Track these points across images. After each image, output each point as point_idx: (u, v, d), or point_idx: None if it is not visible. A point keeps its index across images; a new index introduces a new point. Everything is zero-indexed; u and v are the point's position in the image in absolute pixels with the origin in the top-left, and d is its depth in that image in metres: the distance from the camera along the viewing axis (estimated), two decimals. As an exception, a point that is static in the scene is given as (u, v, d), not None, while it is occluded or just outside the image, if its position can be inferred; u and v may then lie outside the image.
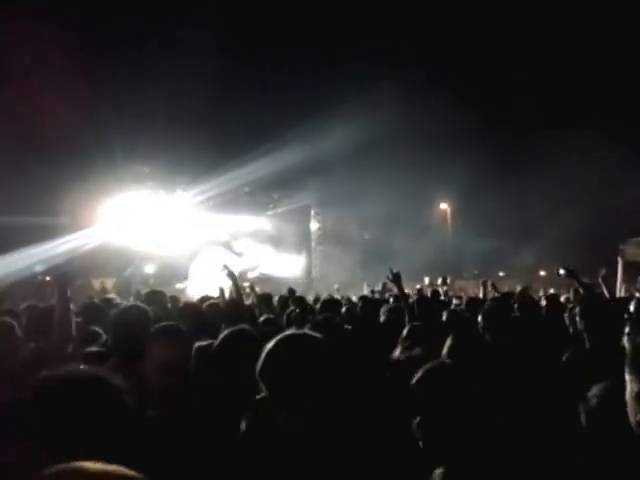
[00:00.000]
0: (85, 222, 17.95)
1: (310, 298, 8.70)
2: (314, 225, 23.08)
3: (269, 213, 22.25)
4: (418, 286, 12.10)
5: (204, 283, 14.24)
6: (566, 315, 5.38)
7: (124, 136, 18.19)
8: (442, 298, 8.18)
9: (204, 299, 6.02)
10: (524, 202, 25.17)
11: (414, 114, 21.48)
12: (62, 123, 16.82)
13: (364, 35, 22.39)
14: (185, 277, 19.87)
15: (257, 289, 8.09)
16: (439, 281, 10.20)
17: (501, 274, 25.72)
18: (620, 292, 9.14)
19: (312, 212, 22.97)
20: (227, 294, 5.96)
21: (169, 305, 5.55)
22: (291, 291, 7.83)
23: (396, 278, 4.97)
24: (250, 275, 19.60)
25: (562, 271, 5.50)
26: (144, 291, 6.98)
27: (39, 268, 13.13)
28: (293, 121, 20.50)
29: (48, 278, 14.40)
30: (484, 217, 24.43)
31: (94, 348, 3.36)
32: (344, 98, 21.01)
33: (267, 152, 19.27)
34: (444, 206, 27.82)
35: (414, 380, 2.04)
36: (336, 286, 15.27)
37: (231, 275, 5.30)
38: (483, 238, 24.46)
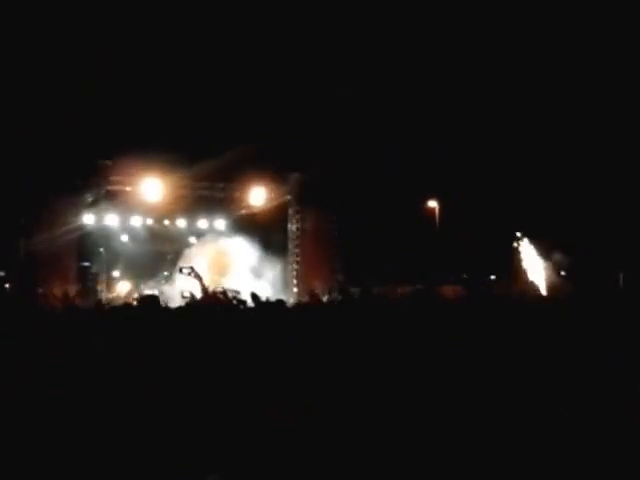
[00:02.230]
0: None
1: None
2: (292, 225, 23.20)
3: (243, 212, 22.42)
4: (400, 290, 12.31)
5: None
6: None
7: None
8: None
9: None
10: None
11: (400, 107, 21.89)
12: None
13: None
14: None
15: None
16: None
17: (492, 277, 26.02)
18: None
19: (290, 211, 23.09)
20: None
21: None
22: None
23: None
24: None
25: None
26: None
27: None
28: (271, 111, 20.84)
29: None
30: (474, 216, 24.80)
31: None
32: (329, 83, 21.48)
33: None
34: (432, 204, 28.03)
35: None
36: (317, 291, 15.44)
37: (198, 277, 5.47)
38: (473, 239, 24.77)
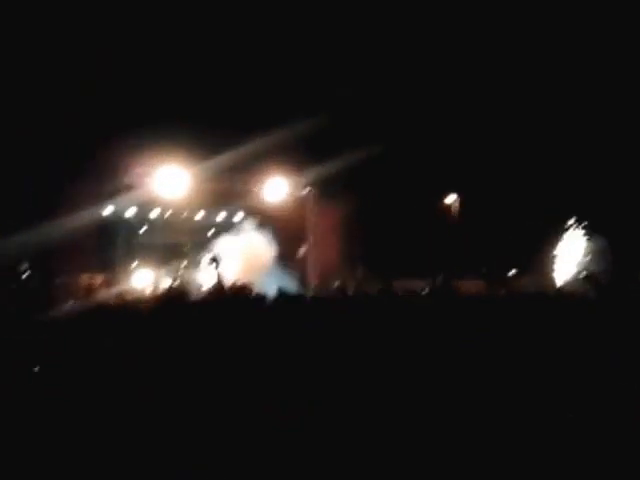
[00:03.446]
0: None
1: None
2: (312, 219, 23.39)
3: (263, 205, 22.60)
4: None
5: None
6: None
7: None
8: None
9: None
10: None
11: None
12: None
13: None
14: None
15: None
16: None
17: (514, 271, 26.00)
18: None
19: (310, 204, 23.27)
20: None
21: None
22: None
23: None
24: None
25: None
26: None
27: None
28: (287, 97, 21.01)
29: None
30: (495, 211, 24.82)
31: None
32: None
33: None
34: (453, 197, 28.04)
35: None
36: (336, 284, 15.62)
37: (217, 268, 5.48)
38: (494, 233, 24.80)
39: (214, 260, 5.81)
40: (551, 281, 24.59)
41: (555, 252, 28.18)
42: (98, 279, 18.13)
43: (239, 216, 22.82)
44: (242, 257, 19.84)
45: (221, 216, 22.88)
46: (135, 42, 20.02)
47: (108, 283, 18.26)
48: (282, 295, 6.52)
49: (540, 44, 23.18)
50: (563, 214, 26.31)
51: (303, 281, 22.00)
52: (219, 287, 5.48)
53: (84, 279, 16.59)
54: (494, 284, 8.35)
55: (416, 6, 22.82)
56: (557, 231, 27.77)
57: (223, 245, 20.53)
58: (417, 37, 22.93)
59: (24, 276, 15.19)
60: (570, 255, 28.09)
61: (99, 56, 19.41)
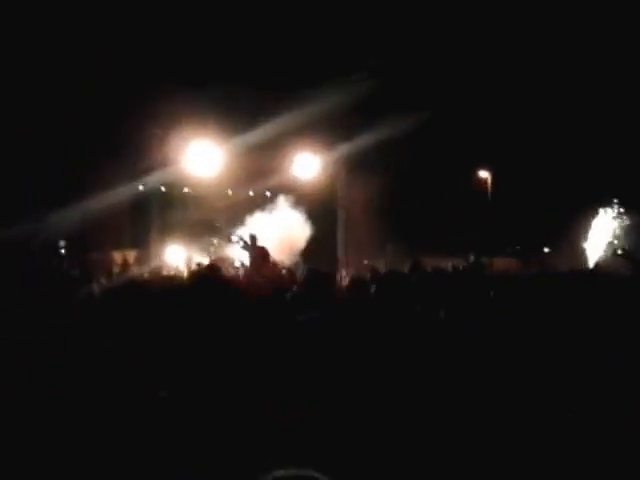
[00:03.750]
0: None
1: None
2: (342, 195, 23.37)
3: (292, 182, 22.59)
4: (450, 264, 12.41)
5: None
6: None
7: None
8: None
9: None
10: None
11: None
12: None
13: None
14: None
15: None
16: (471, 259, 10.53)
17: (547, 249, 25.88)
18: None
19: (340, 180, 23.24)
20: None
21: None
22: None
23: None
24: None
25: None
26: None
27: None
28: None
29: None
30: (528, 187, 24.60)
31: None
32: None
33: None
34: (484, 174, 27.85)
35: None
36: (365, 262, 15.65)
37: (247, 246, 5.43)
38: (527, 210, 24.61)
39: (251, 238, 5.76)
40: (584, 259, 24.41)
41: (588, 229, 27.99)
42: (131, 255, 18.36)
43: (271, 193, 22.79)
44: (277, 235, 19.78)
45: (253, 193, 22.92)
46: (167, 14, 19.99)
47: (141, 259, 18.47)
48: (312, 273, 6.55)
49: (578, 21, 22.75)
50: (596, 191, 26.02)
51: (333, 259, 22.01)
52: (255, 265, 5.48)
53: (116, 256, 16.80)
54: (528, 262, 8.27)
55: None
56: (590, 208, 27.54)
57: (257, 223, 20.50)
58: (453, 9, 22.61)
59: (61, 253, 15.43)
60: (603, 232, 27.85)
61: (131, 29, 19.44)
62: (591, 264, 21.30)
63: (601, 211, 28.16)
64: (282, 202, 21.73)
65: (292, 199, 21.68)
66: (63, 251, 15.28)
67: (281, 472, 1.23)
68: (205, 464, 2.89)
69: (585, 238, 27.91)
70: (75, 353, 3.54)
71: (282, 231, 20.38)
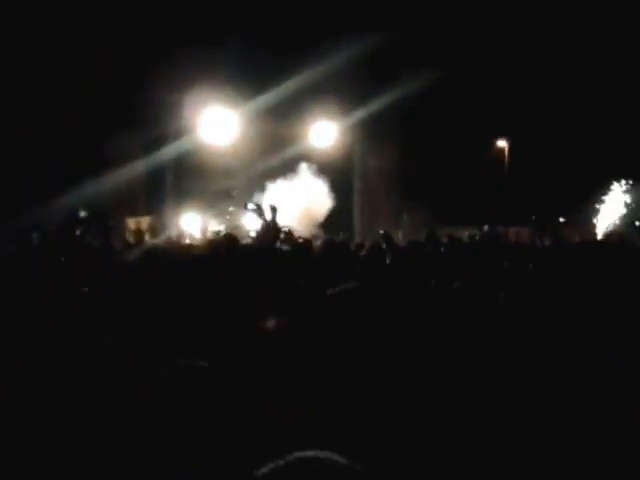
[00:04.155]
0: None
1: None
2: (358, 163, 23.30)
3: (309, 149, 22.50)
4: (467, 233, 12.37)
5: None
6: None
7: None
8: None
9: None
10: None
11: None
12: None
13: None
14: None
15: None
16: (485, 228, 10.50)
17: (562, 220, 25.77)
18: None
19: (356, 148, 23.17)
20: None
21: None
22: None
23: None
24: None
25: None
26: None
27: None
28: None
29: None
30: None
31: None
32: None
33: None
34: (502, 143, 27.66)
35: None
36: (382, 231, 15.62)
37: (263, 215, 5.29)
38: (543, 181, 24.50)
39: (258, 207, 5.65)
40: (594, 230, 24.40)
41: (599, 201, 28.02)
42: (144, 223, 18.41)
43: (289, 161, 22.63)
44: (297, 205, 19.49)
45: (270, 161, 22.81)
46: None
47: (155, 227, 18.54)
48: (328, 243, 6.62)
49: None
50: (609, 164, 25.88)
51: (349, 227, 22.02)
52: (271, 233, 5.40)
53: (130, 223, 16.85)
54: (542, 232, 8.26)
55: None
56: (603, 181, 27.48)
57: (277, 191, 20.34)
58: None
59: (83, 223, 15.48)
60: (614, 205, 27.84)
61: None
62: (600, 235, 21.28)
63: (615, 184, 28.15)
64: (304, 170, 21.44)
65: (314, 167, 21.42)
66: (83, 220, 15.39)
67: (300, 454, 1.29)
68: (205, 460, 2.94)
69: (596, 210, 27.97)
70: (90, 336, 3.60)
71: (303, 201, 20.22)
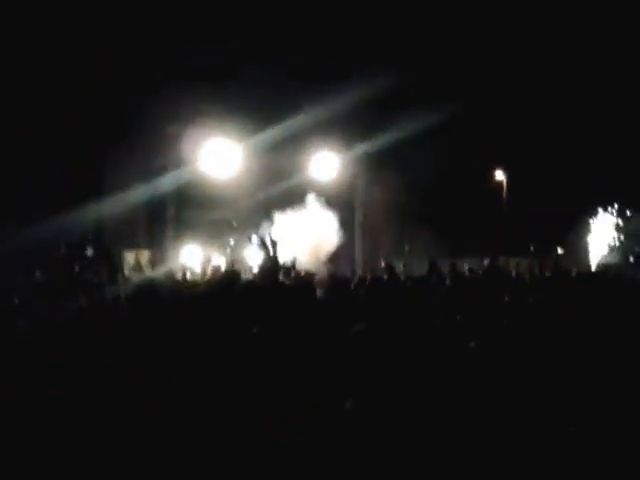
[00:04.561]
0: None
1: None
2: (359, 195, 23.32)
3: (311, 182, 22.45)
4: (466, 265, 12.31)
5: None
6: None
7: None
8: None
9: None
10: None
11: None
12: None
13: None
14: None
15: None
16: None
17: (560, 251, 25.81)
18: None
19: (358, 181, 23.22)
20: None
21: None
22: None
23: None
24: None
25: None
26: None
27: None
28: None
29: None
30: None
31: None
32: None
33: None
34: (500, 175, 27.77)
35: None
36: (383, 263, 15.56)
37: (266, 248, 5.21)
38: (541, 211, 24.60)
39: (262, 240, 5.57)
40: (586, 260, 24.48)
41: (591, 231, 28.15)
42: (143, 256, 18.32)
43: (292, 192, 22.30)
44: (303, 238, 19.05)
45: (272, 192, 22.64)
46: (184, 10, 19.94)
47: (155, 260, 18.43)
48: (332, 278, 6.61)
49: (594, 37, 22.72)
50: (600, 194, 26.08)
51: (351, 260, 21.89)
52: (272, 269, 5.31)
53: (129, 256, 16.77)
54: (542, 264, 8.27)
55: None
56: (593, 210, 27.68)
57: (284, 222, 20.00)
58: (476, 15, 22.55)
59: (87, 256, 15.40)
60: (606, 235, 27.97)
61: (147, 25, 19.42)
62: (593, 264, 21.35)
63: (603, 215, 28.33)
64: (312, 202, 20.98)
65: (323, 199, 20.97)
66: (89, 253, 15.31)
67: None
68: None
69: (588, 240, 28.11)
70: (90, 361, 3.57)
71: (312, 234, 19.84)
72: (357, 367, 2.52)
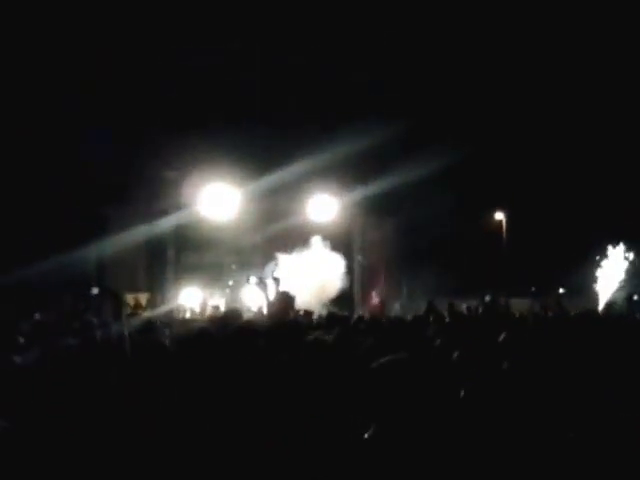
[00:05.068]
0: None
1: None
2: (357, 237, 23.39)
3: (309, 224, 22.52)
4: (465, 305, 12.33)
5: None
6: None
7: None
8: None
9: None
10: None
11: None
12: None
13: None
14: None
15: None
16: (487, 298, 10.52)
17: (561, 291, 25.82)
18: None
19: (355, 222, 23.31)
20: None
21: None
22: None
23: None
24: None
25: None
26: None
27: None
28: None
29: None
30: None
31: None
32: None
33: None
34: (499, 216, 27.90)
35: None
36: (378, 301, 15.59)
37: (265, 289, 5.33)
38: (542, 251, 24.68)
39: (275, 280, 5.71)
40: (594, 301, 24.40)
41: (598, 271, 28.17)
42: (143, 298, 18.32)
43: (291, 236, 22.23)
44: (307, 280, 18.78)
45: (269, 234, 22.64)
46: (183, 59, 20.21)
47: (154, 302, 18.43)
48: (331, 317, 6.61)
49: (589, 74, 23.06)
50: (606, 234, 26.17)
51: (350, 301, 21.83)
52: (280, 308, 5.37)
53: (129, 299, 16.77)
54: (544, 304, 8.27)
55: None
56: (598, 248, 27.74)
57: (289, 263, 19.84)
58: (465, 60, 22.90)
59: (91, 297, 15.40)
60: (613, 275, 27.97)
61: (147, 72, 19.66)
62: (602, 304, 21.28)
63: (610, 250, 28.39)
64: (317, 244, 20.97)
65: (328, 242, 20.99)
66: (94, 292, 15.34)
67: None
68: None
69: (594, 278, 28.07)
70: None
71: (318, 276, 19.68)
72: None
